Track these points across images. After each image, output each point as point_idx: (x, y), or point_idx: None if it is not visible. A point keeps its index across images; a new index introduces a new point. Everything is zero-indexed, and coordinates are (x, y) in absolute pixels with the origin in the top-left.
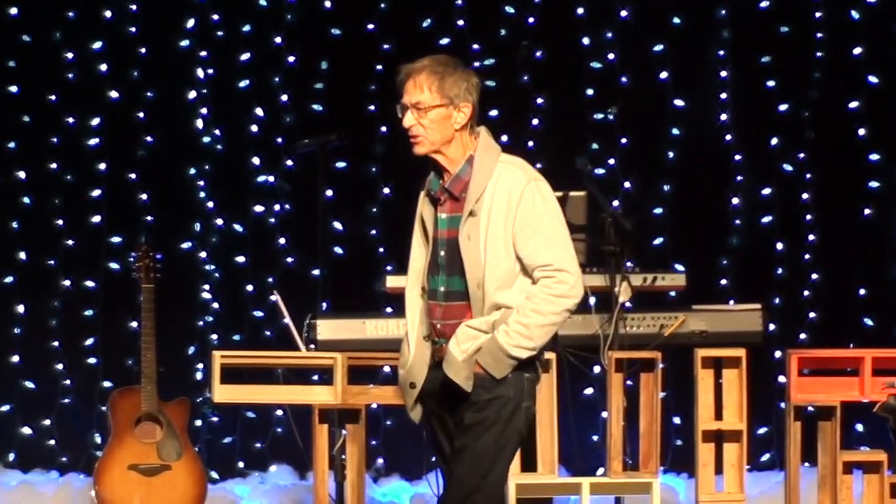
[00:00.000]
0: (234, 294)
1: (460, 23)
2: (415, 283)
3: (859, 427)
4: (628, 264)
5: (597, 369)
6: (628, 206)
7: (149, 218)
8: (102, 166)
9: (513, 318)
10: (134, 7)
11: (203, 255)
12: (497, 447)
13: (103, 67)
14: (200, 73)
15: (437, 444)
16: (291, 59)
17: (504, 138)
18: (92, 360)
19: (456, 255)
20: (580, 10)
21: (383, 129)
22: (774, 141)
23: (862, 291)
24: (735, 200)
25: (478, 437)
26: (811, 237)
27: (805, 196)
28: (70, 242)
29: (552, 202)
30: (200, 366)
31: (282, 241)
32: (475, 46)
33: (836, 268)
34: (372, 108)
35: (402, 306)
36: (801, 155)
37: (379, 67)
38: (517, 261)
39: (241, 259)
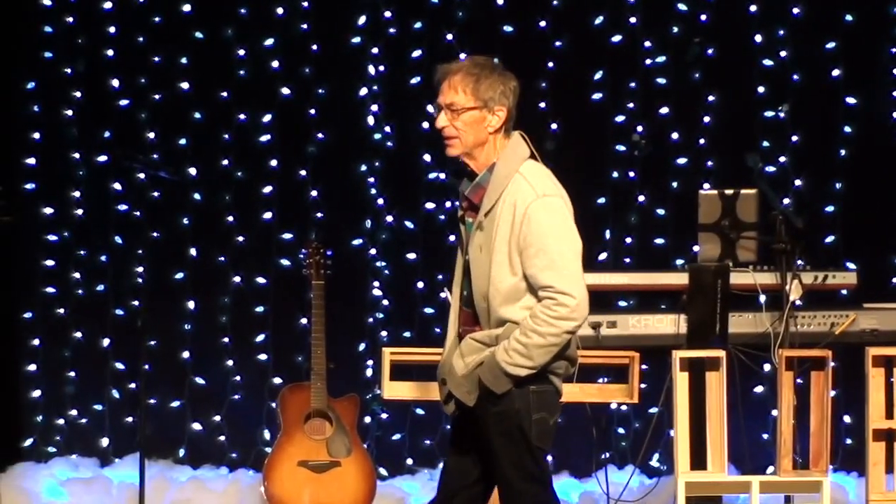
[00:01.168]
0: (405, 291)
1: (633, 20)
2: (456, 283)
3: None
4: (799, 262)
5: (767, 367)
6: (799, 204)
7: (319, 215)
8: (274, 163)
9: (513, 336)
10: (306, 4)
11: (373, 251)
12: (520, 467)
13: (275, 64)
14: (372, 69)
15: (453, 438)
16: (463, 56)
17: (675, 136)
18: (262, 357)
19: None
20: (752, 8)
21: (554, 126)
22: None
23: None
24: None
25: (494, 455)
26: None
27: None
28: (241, 239)
29: (560, 219)
30: (370, 362)
31: (452, 238)
32: (647, 44)
33: None
34: (543, 105)
35: None
36: None
37: (550, 65)
38: (524, 278)
39: (411, 256)
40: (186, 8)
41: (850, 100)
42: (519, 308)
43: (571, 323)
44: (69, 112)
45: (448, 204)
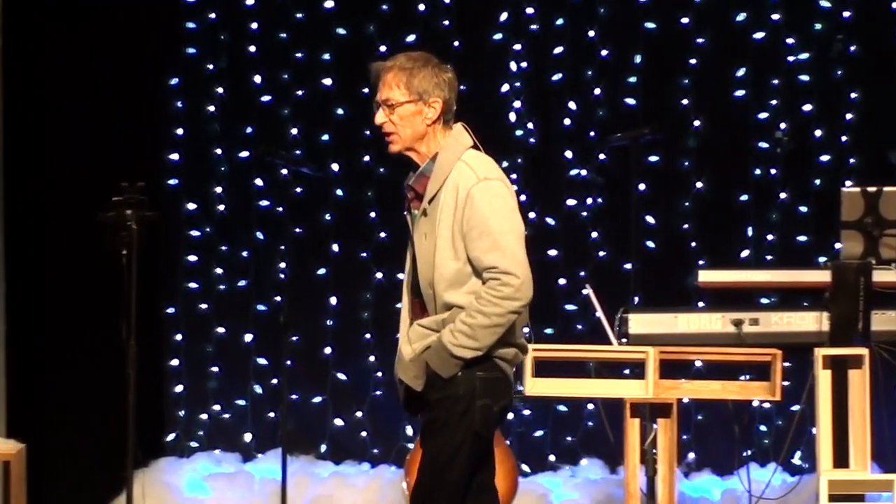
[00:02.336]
0: (547, 287)
1: (775, 17)
2: (407, 275)
3: None
4: None
5: None
6: None
7: None
8: None
9: (459, 318)
10: (447, 0)
11: None
12: (451, 447)
13: None
14: (514, 66)
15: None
16: (604, 52)
17: (817, 133)
18: None
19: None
20: (895, 5)
21: (696, 123)
22: None
23: None
24: None
25: (432, 437)
26: None
27: None
28: (383, 235)
29: (502, 201)
30: None
31: (594, 234)
32: (789, 41)
33: None
34: (685, 102)
35: (716, 300)
36: None
37: (693, 62)
38: (468, 262)
39: (553, 252)
40: (329, 4)
41: None
42: (464, 293)
43: (516, 303)
44: (212, 108)
45: (590, 200)
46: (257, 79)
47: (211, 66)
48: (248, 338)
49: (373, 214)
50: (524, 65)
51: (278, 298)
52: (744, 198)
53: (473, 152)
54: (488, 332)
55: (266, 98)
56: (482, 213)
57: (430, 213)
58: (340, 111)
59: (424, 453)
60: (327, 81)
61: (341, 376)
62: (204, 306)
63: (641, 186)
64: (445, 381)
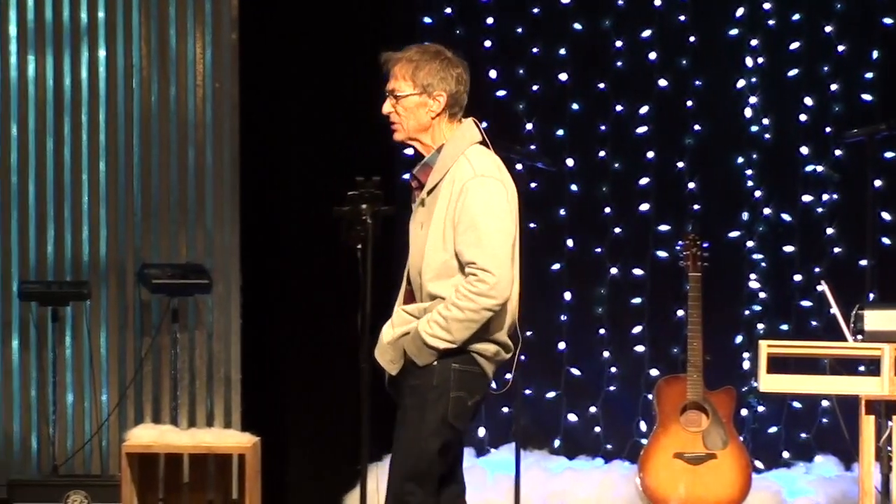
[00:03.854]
0: (782, 284)
1: None
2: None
3: None
4: None
5: None
6: None
7: (696, 207)
8: (651, 154)
9: (436, 309)
10: None
11: (750, 244)
12: (420, 435)
13: (652, 56)
14: (750, 61)
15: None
16: (842, 47)
17: None
18: (639, 349)
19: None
20: None
21: None
22: None
23: None
24: None
25: (402, 424)
26: None
27: None
28: (618, 230)
29: (495, 200)
30: (746, 355)
31: (830, 230)
32: None
33: None
34: None
35: None
36: None
37: None
38: (455, 255)
39: (788, 249)
40: (566, 0)
41: None
42: (449, 285)
43: (490, 300)
44: None
45: (825, 197)
46: (493, 73)
47: None
48: None
49: (607, 210)
50: (760, 60)
51: None
52: None
53: (479, 148)
54: (461, 326)
55: (501, 93)
56: (472, 209)
57: (428, 203)
58: (576, 106)
59: (396, 441)
60: (563, 76)
61: (575, 371)
62: None
63: (878, 182)
64: (421, 369)
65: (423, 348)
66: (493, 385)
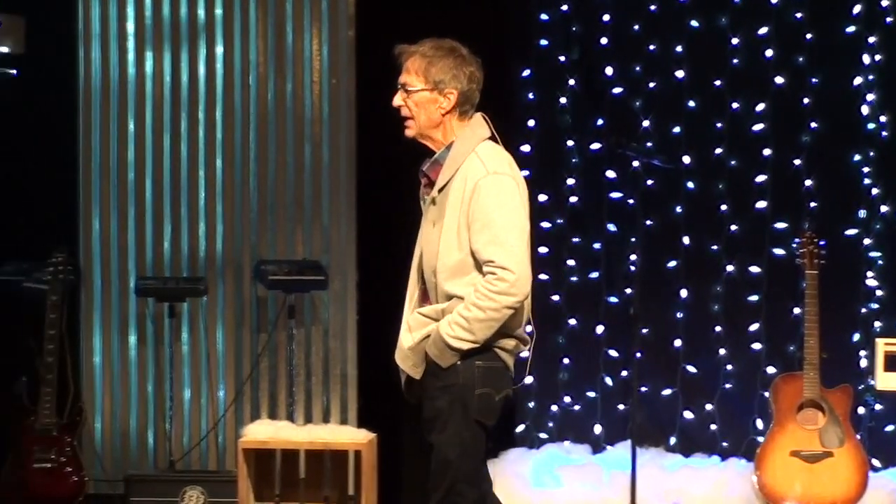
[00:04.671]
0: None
1: None
2: (415, 261)
3: None
4: None
5: None
6: None
7: (812, 204)
8: (767, 152)
9: (456, 310)
10: None
11: (867, 241)
12: (458, 437)
13: (769, 53)
14: (867, 58)
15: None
16: None
17: None
18: (755, 346)
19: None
20: None
21: None
22: None
23: None
24: None
25: (439, 431)
26: None
27: None
28: (734, 228)
29: (508, 197)
30: (863, 353)
31: None
32: None
33: None
34: None
35: None
36: None
37: None
38: (470, 253)
39: None
40: None
41: None
42: (465, 284)
43: (511, 298)
44: (564, 100)
45: None
46: (609, 70)
47: (563, 58)
48: (599, 330)
49: (724, 207)
50: (878, 58)
51: (629, 290)
52: None
53: (489, 144)
54: (484, 326)
55: (618, 90)
56: (487, 207)
57: (439, 201)
58: (692, 103)
59: (436, 448)
60: (679, 74)
61: (691, 369)
62: (555, 298)
63: None
64: (445, 370)
65: (445, 350)
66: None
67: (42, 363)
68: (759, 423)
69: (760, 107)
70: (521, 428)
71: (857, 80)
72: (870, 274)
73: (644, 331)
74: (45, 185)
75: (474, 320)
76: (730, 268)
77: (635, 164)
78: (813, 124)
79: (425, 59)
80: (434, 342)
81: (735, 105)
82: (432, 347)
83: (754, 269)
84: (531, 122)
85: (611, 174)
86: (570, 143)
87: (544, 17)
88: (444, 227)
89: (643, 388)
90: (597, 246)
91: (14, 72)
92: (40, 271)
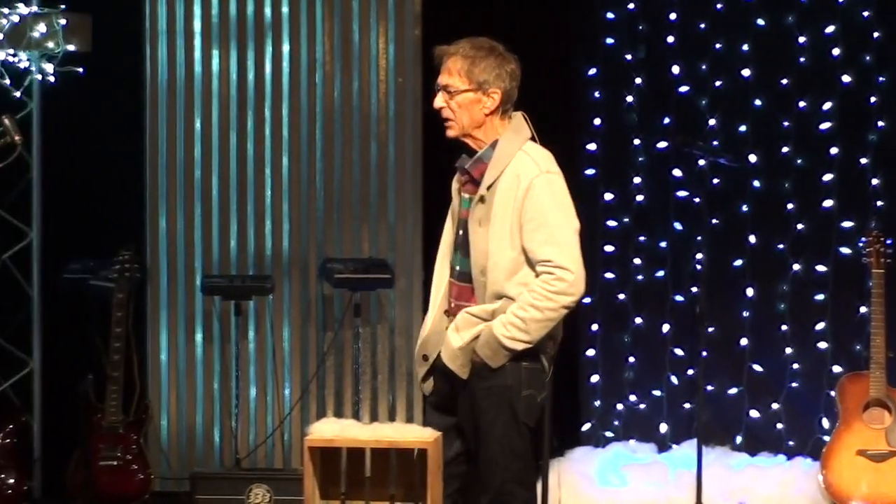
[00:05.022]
0: None
1: None
2: (444, 258)
3: None
4: None
5: None
6: None
7: (879, 203)
8: (834, 150)
9: (511, 310)
10: None
11: None
12: (506, 438)
13: (836, 51)
14: None
15: (432, 418)
16: None
17: None
18: (822, 345)
19: (467, 238)
20: None
21: None
22: None
23: None
24: None
25: (485, 432)
26: None
27: None
28: (800, 226)
29: (562, 197)
30: None
31: None
32: None
33: None
34: None
35: None
36: None
37: None
38: (522, 252)
39: None
40: None
41: None
42: (516, 283)
43: (569, 298)
44: (630, 98)
45: None
46: (676, 69)
47: (629, 57)
48: (665, 328)
49: (790, 206)
50: None
51: (695, 289)
52: None
53: (533, 144)
54: (540, 326)
55: (684, 88)
56: (542, 206)
57: (487, 200)
58: (758, 102)
59: (483, 450)
60: (746, 72)
61: (757, 368)
62: (621, 296)
63: None
64: (494, 370)
65: (499, 351)
66: None
67: (108, 361)
68: (826, 423)
69: (827, 105)
70: (586, 426)
71: None
72: None
73: (710, 329)
74: (112, 184)
75: (531, 321)
76: (796, 266)
77: (701, 162)
78: (880, 123)
79: (467, 59)
80: (487, 343)
81: (802, 104)
82: (484, 348)
83: (821, 267)
84: (597, 121)
85: (677, 173)
86: (636, 141)
87: (610, 15)
88: (496, 225)
89: (709, 387)
90: (663, 244)
91: (80, 70)
92: (107, 269)
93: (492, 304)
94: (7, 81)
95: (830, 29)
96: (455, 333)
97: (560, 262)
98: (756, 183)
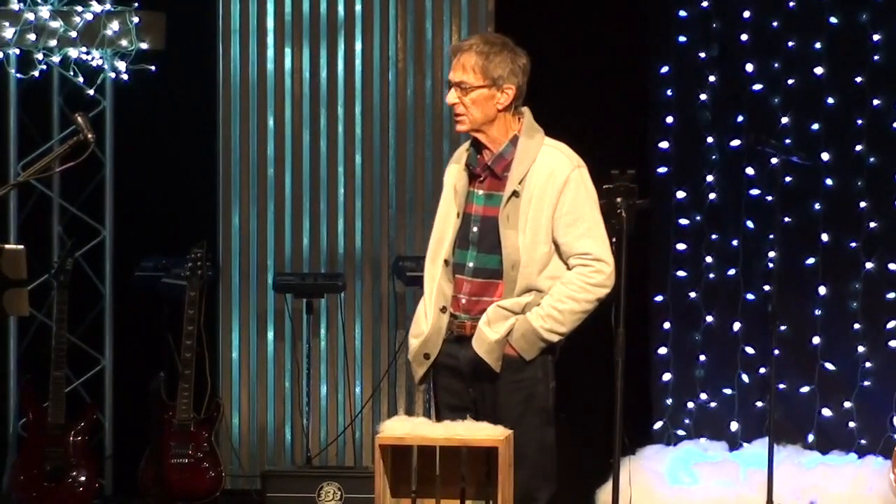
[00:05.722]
0: None
1: None
2: (437, 254)
3: None
4: None
5: None
6: None
7: None
8: None
9: (546, 303)
10: None
11: None
12: (535, 431)
13: None
14: None
15: (437, 417)
16: None
17: None
18: (893, 344)
19: (492, 234)
20: None
21: None
22: None
23: None
24: None
25: (513, 425)
26: None
27: None
28: (873, 225)
29: (593, 190)
30: None
31: None
32: None
33: None
34: None
35: None
36: None
37: None
38: (553, 245)
39: None
40: None
41: None
42: (546, 277)
43: (604, 290)
44: (703, 96)
45: None
46: (749, 67)
47: (702, 55)
48: (737, 326)
49: (863, 204)
50: None
51: (767, 287)
52: None
53: (551, 139)
54: (576, 318)
55: (757, 87)
56: (578, 200)
57: (520, 195)
58: (831, 100)
59: (519, 446)
60: (819, 70)
61: (829, 366)
62: (693, 295)
63: None
64: (523, 363)
65: (536, 342)
66: None
67: (180, 359)
68: None
69: None
70: (658, 425)
71: None
72: None
73: (782, 328)
74: (185, 181)
75: (569, 312)
76: (869, 265)
77: (774, 160)
78: None
79: (482, 55)
80: (524, 335)
81: (876, 102)
82: (521, 341)
83: (893, 266)
84: (669, 119)
85: (750, 171)
86: (709, 139)
87: (683, 13)
88: (529, 220)
89: (781, 386)
90: (735, 243)
91: (153, 68)
92: (179, 267)
93: (524, 298)
94: (80, 80)
95: None
96: (488, 327)
97: (599, 255)
98: (829, 181)
